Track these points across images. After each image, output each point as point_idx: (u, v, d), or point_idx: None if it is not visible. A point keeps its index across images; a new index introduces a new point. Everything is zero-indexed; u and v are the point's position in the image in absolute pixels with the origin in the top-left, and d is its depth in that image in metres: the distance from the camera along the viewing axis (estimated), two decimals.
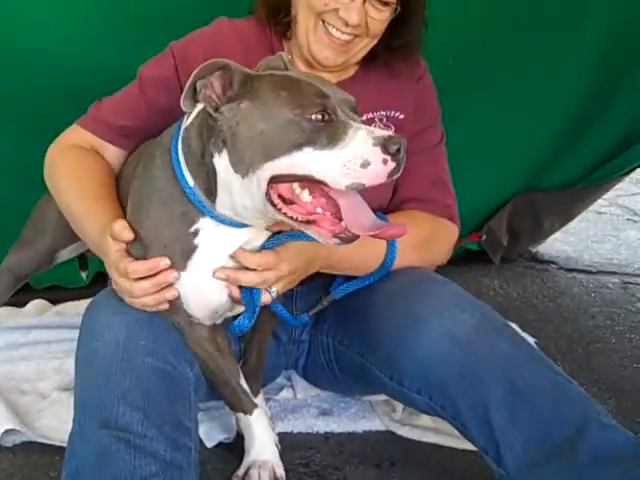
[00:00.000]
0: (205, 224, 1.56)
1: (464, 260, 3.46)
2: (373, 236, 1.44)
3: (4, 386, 2.13)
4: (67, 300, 2.74)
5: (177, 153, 1.54)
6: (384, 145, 1.36)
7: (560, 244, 3.94)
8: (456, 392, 1.65)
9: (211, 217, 1.54)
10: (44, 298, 2.77)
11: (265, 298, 1.64)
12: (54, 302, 2.76)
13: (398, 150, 1.36)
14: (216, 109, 1.45)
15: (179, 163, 1.53)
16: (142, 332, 1.58)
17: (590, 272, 3.57)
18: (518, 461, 1.56)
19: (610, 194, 4.34)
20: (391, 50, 1.94)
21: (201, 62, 1.83)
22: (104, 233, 1.61)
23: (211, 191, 1.51)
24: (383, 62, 1.96)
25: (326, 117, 1.39)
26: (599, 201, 4.18)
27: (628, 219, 4.60)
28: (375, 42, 1.88)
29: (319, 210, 1.43)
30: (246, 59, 1.81)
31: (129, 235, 1.56)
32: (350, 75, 1.97)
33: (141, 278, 1.55)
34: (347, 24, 1.78)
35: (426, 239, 1.92)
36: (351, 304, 1.91)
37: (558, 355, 2.58)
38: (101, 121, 1.91)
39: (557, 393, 1.59)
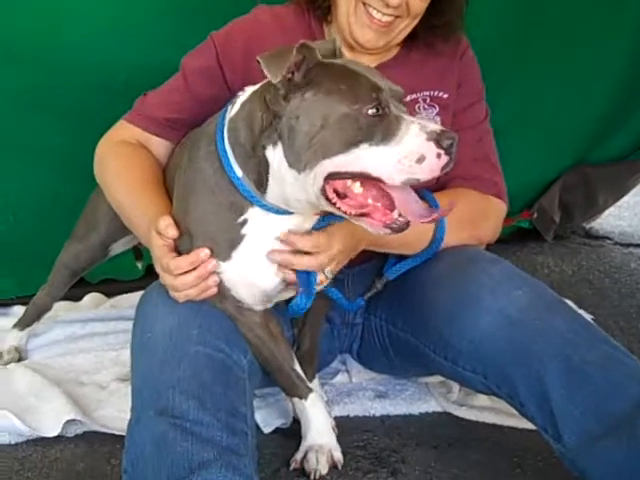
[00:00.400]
0: (254, 214, 1.56)
1: (517, 238, 3.43)
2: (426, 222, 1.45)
3: (64, 378, 2.18)
4: (121, 293, 2.78)
5: (223, 143, 1.54)
6: (437, 140, 1.36)
7: (614, 219, 3.87)
8: (511, 370, 1.63)
9: (260, 207, 1.54)
10: (99, 291, 2.82)
11: (321, 278, 1.64)
12: (109, 295, 2.80)
13: (451, 145, 1.36)
14: (285, 97, 1.43)
15: (226, 153, 1.53)
16: (194, 321, 1.60)
17: None
18: (577, 437, 1.53)
19: None
20: (433, 29, 1.91)
21: (242, 51, 1.83)
22: (152, 227, 1.63)
23: (261, 182, 1.51)
24: (424, 41, 1.94)
25: (380, 111, 1.39)
26: None
27: None
28: (416, 22, 1.86)
29: (370, 201, 1.43)
30: None
31: (174, 232, 1.57)
32: (392, 56, 1.95)
33: (184, 272, 1.57)
34: (388, 5, 1.76)
35: (473, 215, 1.90)
36: (403, 286, 1.90)
37: (617, 331, 2.53)
38: (147, 115, 1.93)
39: (615, 368, 1.56)
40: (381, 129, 1.38)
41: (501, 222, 2.01)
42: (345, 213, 1.44)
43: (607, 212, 3.80)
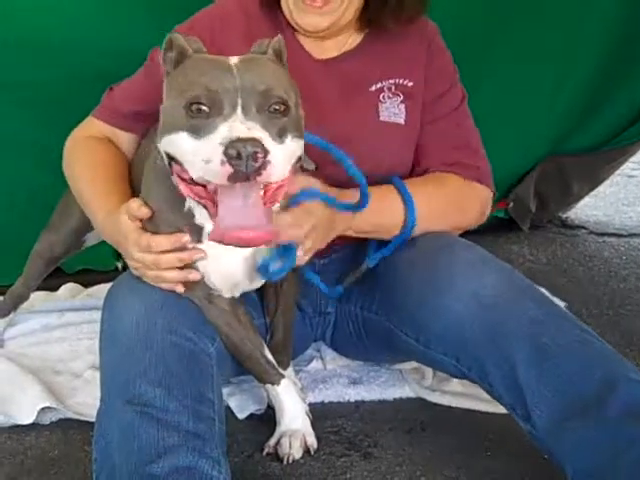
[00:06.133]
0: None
1: (493, 228, 3.42)
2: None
3: (39, 366, 2.17)
4: (98, 283, 2.76)
5: None
6: (226, 147, 1.29)
7: (590, 209, 3.90)
8: (482, 353, 1.64)
9: None
10: (76, 282, 2.81)
11: (299, 253, 1.63)
12: (86, 285, 2.79)
13: (238, 155, 1.28)
14: None
15: None
16: (160, 311, 1.60)
17: (621, 235, 3.53)
18: (546, 417, 1.55)
19: None
20: (387, 8, 1.84)
21: (208, 43, 1.83)
22: (107, 216, 1.65)
23: None
24: (386, 27, 1.89)
25: (204, 109, 1.37)
26: (629, 164, 4.14)
27: None
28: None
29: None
30: (251, 35, 1.80)
31: (147, 211, 1.58)
32: (354, 46, 1.94)
33: (165, 253, 1.57)
34: None
35: (452, 201, 1.91)
36: (377, 271, 1.91)
37: (589, 318, 2.55)
38: (114, 110, 1.94)
39: (584, 350, 1.58)
40: (204, 125, 1.35)
41: (487, 207, 2.01)
42: (189, 196, 1.46)
43: (583, 202, 3.83)
